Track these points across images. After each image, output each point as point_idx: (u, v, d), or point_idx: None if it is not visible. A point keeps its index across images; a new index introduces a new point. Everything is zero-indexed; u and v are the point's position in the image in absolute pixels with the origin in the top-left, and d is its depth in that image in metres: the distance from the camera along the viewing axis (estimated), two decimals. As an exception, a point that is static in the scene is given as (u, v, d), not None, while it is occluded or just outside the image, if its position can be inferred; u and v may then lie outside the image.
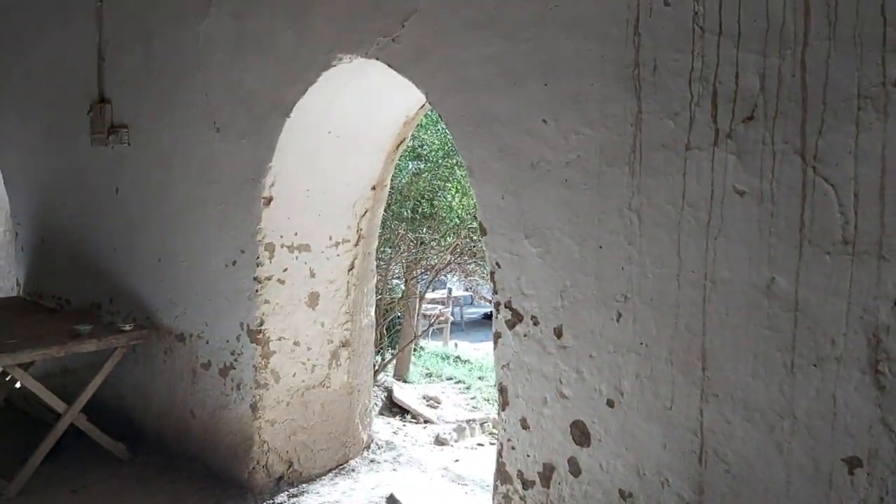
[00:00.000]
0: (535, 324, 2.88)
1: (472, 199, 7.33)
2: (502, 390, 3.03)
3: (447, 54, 3.06)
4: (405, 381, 7.23)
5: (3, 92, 5.65)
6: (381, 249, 6.52)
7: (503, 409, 3.03)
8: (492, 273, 3.03)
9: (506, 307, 2.98)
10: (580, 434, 2.78)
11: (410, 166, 7.22)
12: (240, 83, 3.93)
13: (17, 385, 4.63)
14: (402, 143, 4.36)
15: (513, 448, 3.00)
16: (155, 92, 4.42)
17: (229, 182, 4.03)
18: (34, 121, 5.42)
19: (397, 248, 7.35)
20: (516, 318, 2.94)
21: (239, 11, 3.90)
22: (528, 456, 2.94)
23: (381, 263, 6.38)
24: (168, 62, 4.33)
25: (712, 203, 2.38)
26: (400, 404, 5.70)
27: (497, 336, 3.03)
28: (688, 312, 2.46)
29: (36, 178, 5.48)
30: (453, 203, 7.26)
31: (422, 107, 4.19)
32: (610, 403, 2.68)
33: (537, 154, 2.81)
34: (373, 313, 4.61)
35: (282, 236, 4.01)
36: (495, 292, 3.03)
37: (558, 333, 2.81)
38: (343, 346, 4.35)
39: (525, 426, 2.95)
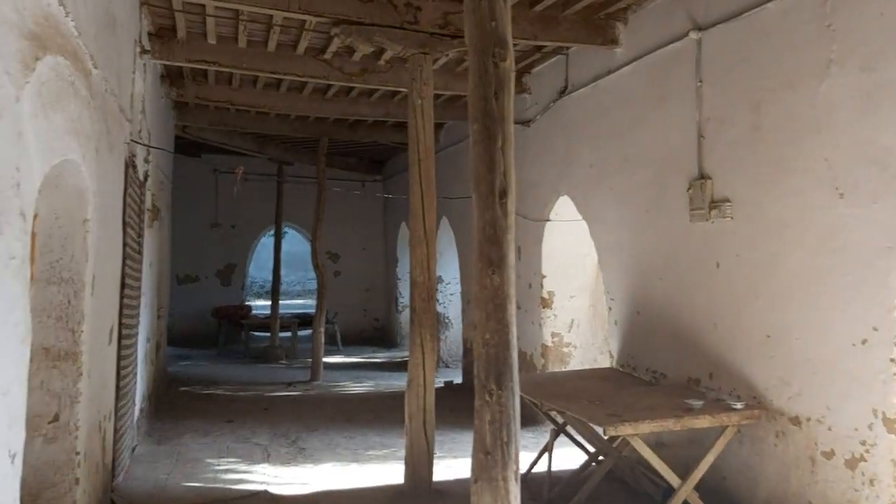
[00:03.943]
0: None
1: None
2: None
3: None
4: None
5: (602, 180, 6.27)
6: None
7: None
8: None
9: None
10: None
11: None
12: (870, 142, 3.56)
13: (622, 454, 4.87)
14: None
15: None
16: (762, 162, 4.32)
17: (856, 251, 3.65)
18: (629, 202, 5.84)
19: None
20: None
21: (869, 65, 3.56)
22: None
23: None
24: (778, 130, 4.20)
25: None
26: None
27: None
28: None
29: (631, 255, 5.86)
30: None
31: None
32: None
33: None
34: None
35: (925, 312, 3.45)
36: None
37: None
38: None
39: None
